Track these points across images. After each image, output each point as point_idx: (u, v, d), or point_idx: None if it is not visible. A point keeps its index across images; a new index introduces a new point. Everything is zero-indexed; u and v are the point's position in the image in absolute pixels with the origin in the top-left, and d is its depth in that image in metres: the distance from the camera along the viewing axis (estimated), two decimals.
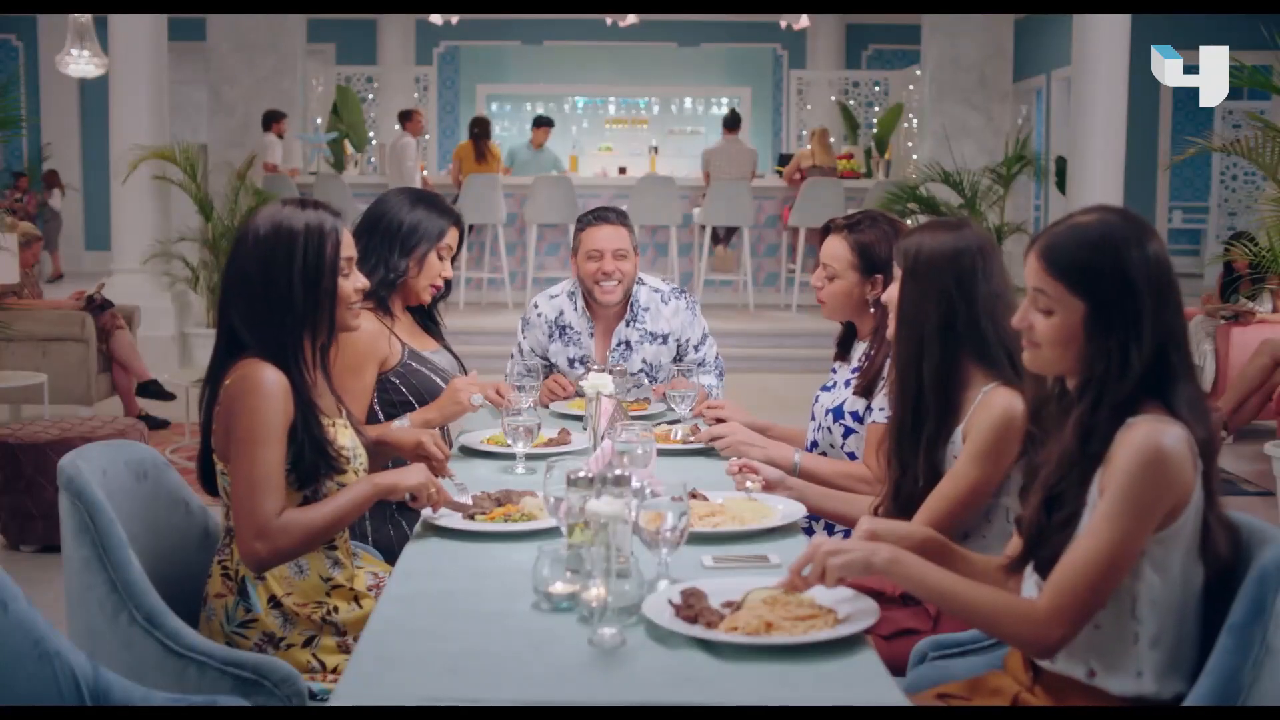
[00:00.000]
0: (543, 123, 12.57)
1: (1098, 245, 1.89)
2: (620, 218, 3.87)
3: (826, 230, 3.14)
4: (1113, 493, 1.80)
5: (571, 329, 3.92)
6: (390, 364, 3.15)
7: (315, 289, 2.40)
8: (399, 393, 3.16)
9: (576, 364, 3.90)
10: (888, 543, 1.98)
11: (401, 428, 3.02)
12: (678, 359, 3.93)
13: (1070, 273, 1.89)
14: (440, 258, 3.28)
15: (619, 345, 3.90)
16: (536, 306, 3.99)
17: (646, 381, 3.89)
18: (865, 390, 3.00)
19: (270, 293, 2.37)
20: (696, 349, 3.95)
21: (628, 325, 3.90)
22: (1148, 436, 1.80)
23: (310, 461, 2.35)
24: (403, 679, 1.74)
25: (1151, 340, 1.85)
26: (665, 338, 3.91)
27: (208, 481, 2.45)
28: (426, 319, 3.40)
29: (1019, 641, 1.91)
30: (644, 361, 3.90)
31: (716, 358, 4.02)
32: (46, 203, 14.91)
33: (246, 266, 2.40)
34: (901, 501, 2.53)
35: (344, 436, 2.48)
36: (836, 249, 3.08)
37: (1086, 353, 1.89)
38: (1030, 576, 1.97)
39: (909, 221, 7.81)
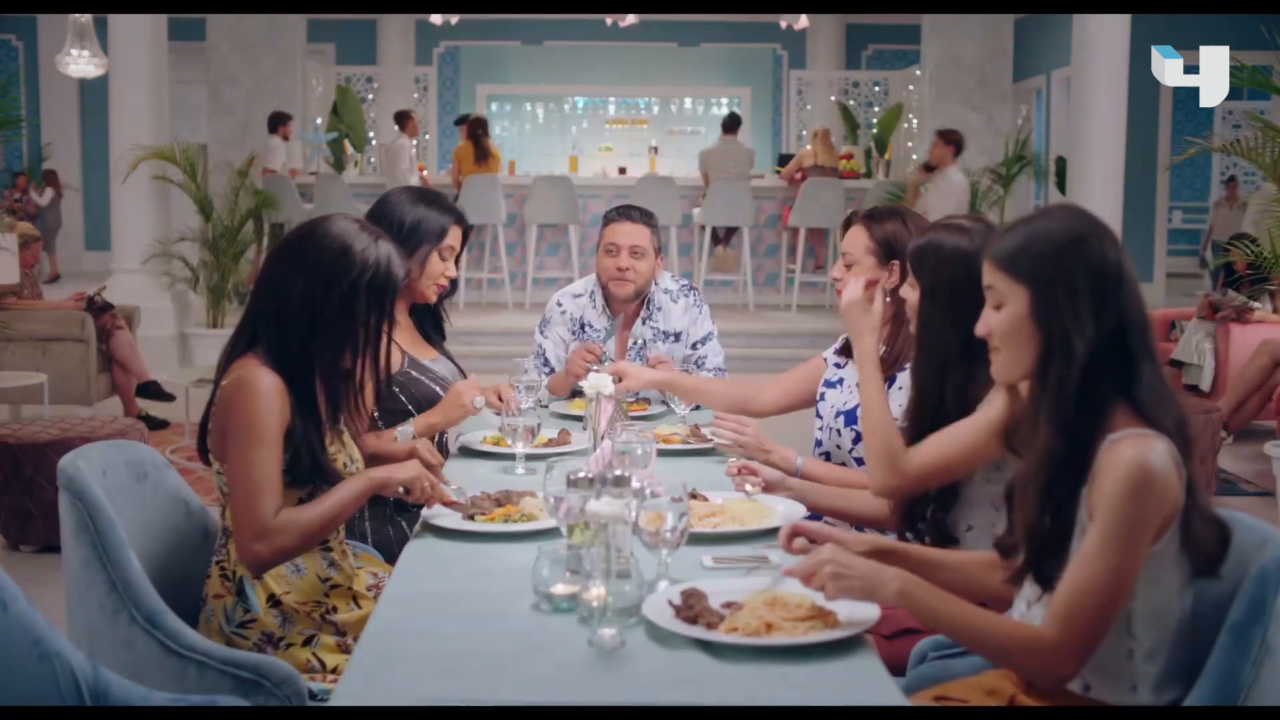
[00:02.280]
0: (465, 120, 12.62)
1: (1039, 231, 1.93)
2: (644, 217, 3.88)
3: (848, 225, 3.16)
4: (1105, 518, 1.79)
5: (592, 327, 3.91)
6: (390, 372, 3.14)
7: (360, 322, 2.40)
8: (398, 401, 3.16)
9: (592, 365, 3.88)
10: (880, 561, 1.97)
11: (403, 432, 3.01)
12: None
13: (1012, 258, 1.93)
14: (442, 258, 3.25)
15: (635, 344, 3.91)
16: (560, 304, 3.97)
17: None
18: (885, 377, 2.98)
19: (309, 307, 2.36)
20: (696, 346, 3.93)
21: (643, 324, 3.92)
22: (1134, 458, 1.78)
23: (306, 469, 2.35)
24: (402, 679, 1.74)
25: (1102, 322, 1.86)
26: (678, 336, 3.92)
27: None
28: (429, 324, 3.39)
29: (1032, 674, 1.90)
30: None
31: (719, 369, 3.96)
32: (49, 199, 14.92)
33: (296, 273, 2.39)
34: (912, 518, 2.54)
35: (339, 442, 2.49)
36: (856, 237, 3.09)
37: (1036, 339, 1.91)
38: (1029, 586, 1.96)
39: None
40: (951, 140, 8.73)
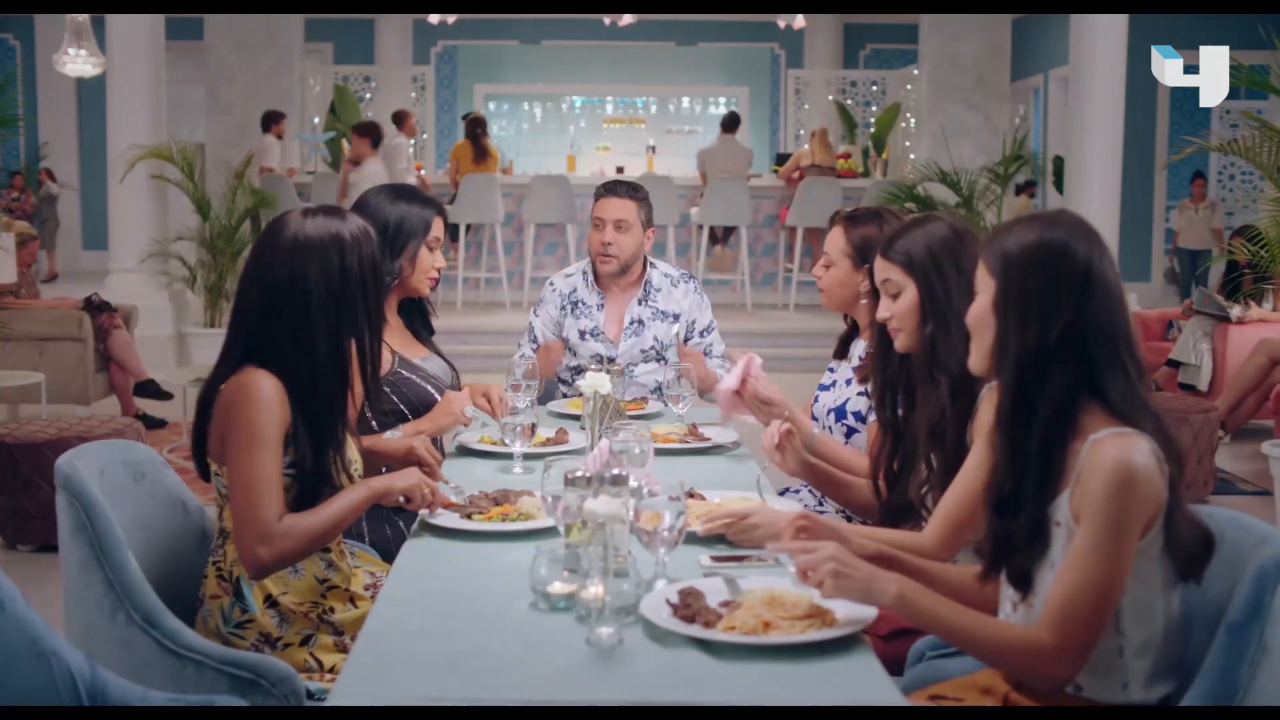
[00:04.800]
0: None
1: (1021, 230, 1.95)
2: (630, 191, 4.02)
3: (831, 223, 3.18)
4: (1094, 519, 1.80)
5: (583, 303, 4.05)
6: (381, 372, 3.13)
7: (357, 301, 2.40)
8: (390, 401, 3.15)
9: (588, 336, 4.03)
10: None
11: (391, 437, 3.01)
12: (686, 340, 4.03)
13: (992, 255, 1.96)
14: (430, 250, 3.26)
15: (632, 323, 4.02)
16: (552, 284, 4.14)
17: (657, 363, 4.01)
18: (865, 377, 3.01)
19: (299, 300, 2.35)
20: (702, 334, 4.06)
21: (640, 304, 4.04)
22: (1119, 457, 1.79)
23: (310, 472, 2.34)
24: (400, 679, 1.74)
25: (1050, 327, 1.87)
26: (676, 317, 4.04)
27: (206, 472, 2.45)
28: (418, 321, 3.39)
29: (1029, 677, 1.91)
30: (655, 339, 4.03)
31: (724, 355, 4.09)
32: (50, 195, 14.92)
33: (281, 270, 2.37)
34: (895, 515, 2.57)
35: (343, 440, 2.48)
36: (835, 237, 3.13)
37: (997, 334, 1.94)
38: (1006, 588, 1.98)
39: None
40: (367, 134, 8.85)
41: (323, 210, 2.47)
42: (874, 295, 2.71)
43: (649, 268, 4.08)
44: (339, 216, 2.45)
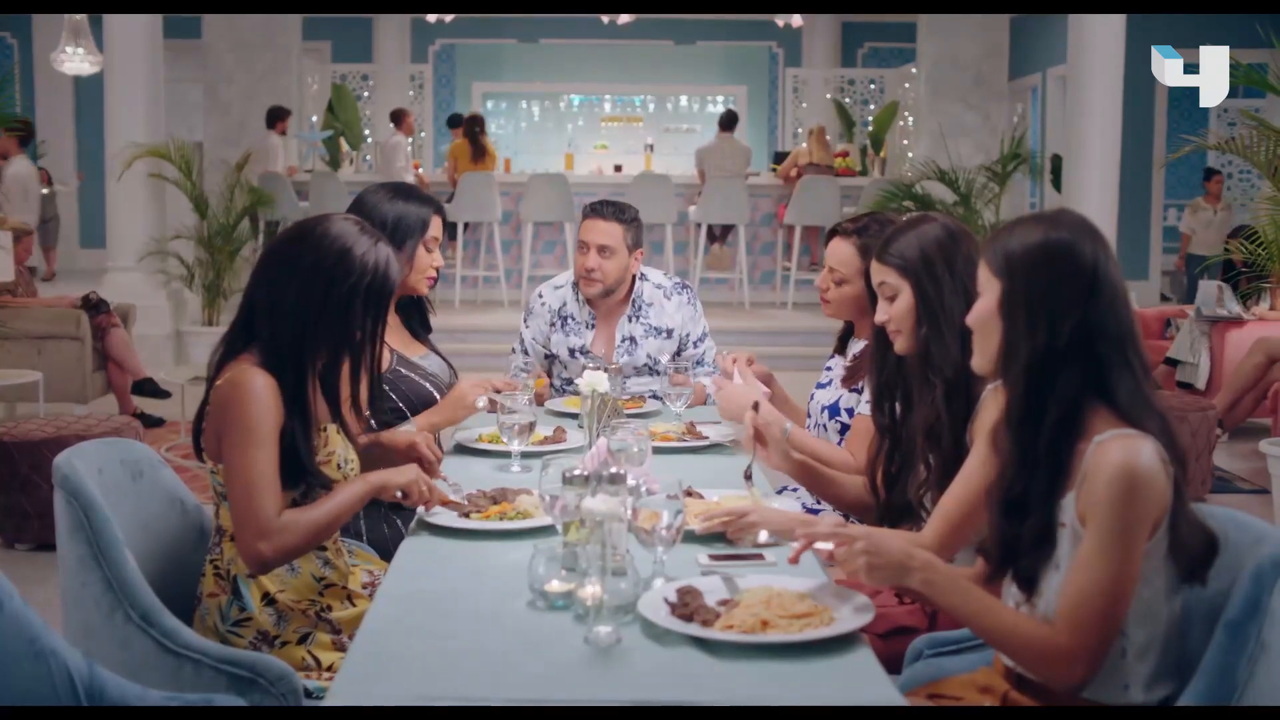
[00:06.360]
0: (456, 124, 12.49)
1: (1025, 231, 1.94)
2: (616, 213, 3.85)
3: (833, 233, 3.14)
4: (1100, 522, 1.80)
5: (572, 319, 3.94)
6: (379, 370, 3.13)
7: (356, 325, 2.40)
8: (389, 399, 3.14)
9: (576, 354, 3.92)
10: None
11: (394, 431, 3.01)
12: (678, 354, 3.94)
13: (994, 256, 1.95)
14: (428, 249, 3.26)
15: (624, 340, 3.91)
16: (541, 296, 4.01)
17: (650, 376, 3.92)
18: (848, 382, 3.03)
19: (305, 309, 2.35)
20: (696, 344, 3.95)
21: (631, 320, 3.92)
22: (1123, 460, 1.79)
23: (296, 471, 2.34)
24: (398, 677, 1.74)
25: (1060, 327, 1.87)
26: (670, 332, 3.92)
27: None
28: (416, 320, 3.39)
29: (1043, 677, 1.90)
30: (649, 356, 3.91)
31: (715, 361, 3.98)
32: (52, 197, 14.90)
33: (292, 274, 2.36)
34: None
35: (335, 442, 2.48)
36: (844, 254, 3.07)
37: (999, 331, 1.93)
38: (1010, 587, 1.98)
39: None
40: (15, 131, 8.71)
41: (361, 227, 2.46)
42: (870, 299, 2.69)
43: (639, 281, 3.94)
44: (372, 238, 2.44)
